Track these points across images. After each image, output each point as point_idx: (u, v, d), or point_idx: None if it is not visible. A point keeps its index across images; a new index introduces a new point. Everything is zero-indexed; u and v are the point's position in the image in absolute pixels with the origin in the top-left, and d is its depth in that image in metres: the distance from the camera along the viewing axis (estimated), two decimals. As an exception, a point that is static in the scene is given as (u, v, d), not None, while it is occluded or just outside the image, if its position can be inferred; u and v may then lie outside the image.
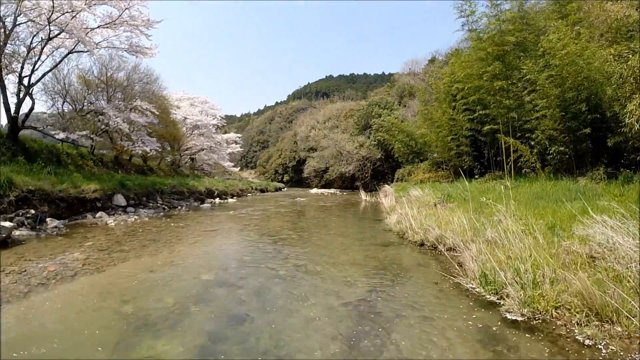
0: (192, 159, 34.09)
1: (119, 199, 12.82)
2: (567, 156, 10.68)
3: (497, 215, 6.76)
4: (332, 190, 35.10)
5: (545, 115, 10.82)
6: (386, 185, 25.19)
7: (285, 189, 43.37)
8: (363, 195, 21.84)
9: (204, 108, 33.75)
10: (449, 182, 16.20)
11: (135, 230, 8.69)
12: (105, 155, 19.60)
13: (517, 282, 3.70)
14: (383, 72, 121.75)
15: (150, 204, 14.26)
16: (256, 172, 69.44)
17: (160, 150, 24.76)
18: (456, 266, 4.77)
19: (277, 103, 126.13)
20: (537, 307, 3.43)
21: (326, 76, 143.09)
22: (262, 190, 31.40)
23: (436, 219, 7.35)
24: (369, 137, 35.14)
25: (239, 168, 56.15)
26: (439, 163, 19.16)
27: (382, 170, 34.54)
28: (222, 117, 35.52)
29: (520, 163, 11.43)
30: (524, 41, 12.72)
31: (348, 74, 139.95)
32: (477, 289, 4.02)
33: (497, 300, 3.72)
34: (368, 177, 35.22)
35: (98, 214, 10.93)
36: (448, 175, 17.61)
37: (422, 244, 6.48)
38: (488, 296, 3.82)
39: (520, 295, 3.51)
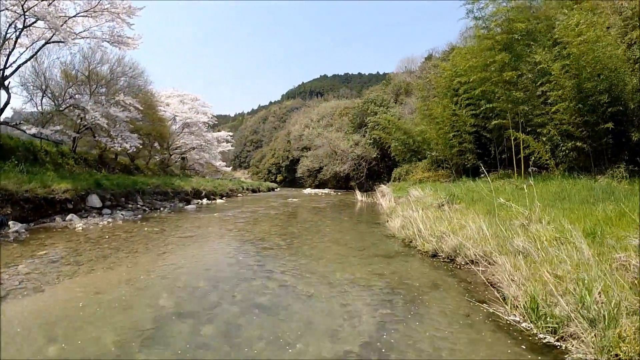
0: (183, 158, 32.92)
1: (94, 200, 11.75)
2: (584, 153, 9.79)
3: (519, 219, 5.81)
4: (326, 191, 34.04)
5: (559, 110, 9.93)
6: (382, 185, 24.21)
7: (278, 189, 42.23)
8: (359, 195, 20.80)
9: (194, 105, 32.61)
10: (451, 181, 15.25)
11: (102, 236, 7.61)
12: (88, 154, 18.55)
13: (582, 316, 2.70)
14: (378, 72, 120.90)
15: (130, 206, 13.19)
16: (249, 172, 68.35)
17: (148, 148, 23.73)
18: (487, 287, 3.78)
19: (271, 103, 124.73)
20: (618, 354, 2.43)
21: (320, 76, 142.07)
22: (253, 191, 30.25)
23: (448, 223, 6.35)
24: (364, 136, 34.15)
25: (231, 168, 54.91)
26: (439, 162, 18.20)
27: (378, 170, 33.58)
28: (213, 115, 34.34)
29: (532, 159, 10.47)
30: (534, 30, 11.80)
31: (342, 74, 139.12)
32: (523, 324, 2.99)
33: (556, 343, 2.70)
34: (363, 176, 34.22)
35: (68, 217, 9.89)
36: (449, 174, 16.65)
37: (434, 255, 5.44)
38: (542, 335, 2.80)
39: (595, 337, 2.50)
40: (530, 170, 11.24)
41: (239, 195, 24.98)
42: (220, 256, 5.69)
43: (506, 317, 3.11)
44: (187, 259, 5.46)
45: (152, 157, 26.33)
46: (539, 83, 10.58)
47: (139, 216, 11.44)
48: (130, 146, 16.12)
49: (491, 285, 3.92)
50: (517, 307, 3.17)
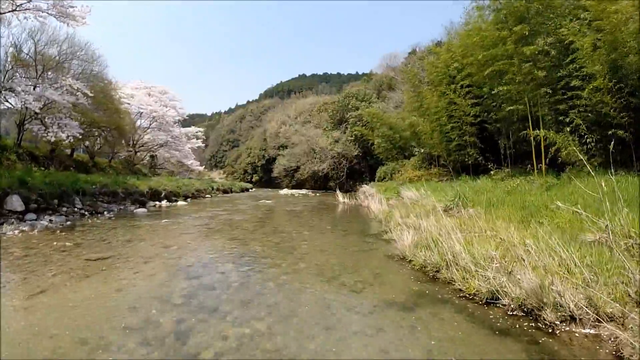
0: (152, 157, 30.02)
1: (14, 203, 9.26)
2: (624, 143, 7.94)
3: (594, 234, 3.77)
4: (303, 191, 31.68)
5: (580, 96, 8.13)
6: (364, 185, 22.23)
7: (253, 189, 39.54)
8: (340, 197, 18.59)
9: (162, 98, 29.85)
10: (448, 180, 13.25)
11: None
12: (37, 149, 16.01)
13: None
14: (357, 72, 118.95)
15: (64, 209, 10.65)
16: (224, 172, 65.46)
17: (111, 144, 21.04)
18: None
19: (248, 102, 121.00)
20: None
21: (299, 75, 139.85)
22: (225, 191, 27.57)
23: (494, 241, 4.16)
24: (344, 132, 32.05)
25: (205, 167, 51.75)
26: (431, 158, 16.21)
27: (359, 169, 31.58)
28: (181, 109, 31.55)
29: (564, 153, 8.48)
30: (550, 4, 9.93)
31: (321, 73, 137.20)
32: None
33: None
34: (344, 176, 32.15)
35: (-25, 224, 7.58)
36: (444, 172, 14.66)
37: (491, 301, 3.16)
38: None
39: None
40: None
41: (207, 196, 22.38)
42: (120, 306, 3.21)
43: None
44: (62, 311, 3.04)
45: (114, 154, 23.56)
46: (567, 61, 8.65)
47: (69, 223, 9.01)
48: (67, 136, 13.40)
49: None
50: None
